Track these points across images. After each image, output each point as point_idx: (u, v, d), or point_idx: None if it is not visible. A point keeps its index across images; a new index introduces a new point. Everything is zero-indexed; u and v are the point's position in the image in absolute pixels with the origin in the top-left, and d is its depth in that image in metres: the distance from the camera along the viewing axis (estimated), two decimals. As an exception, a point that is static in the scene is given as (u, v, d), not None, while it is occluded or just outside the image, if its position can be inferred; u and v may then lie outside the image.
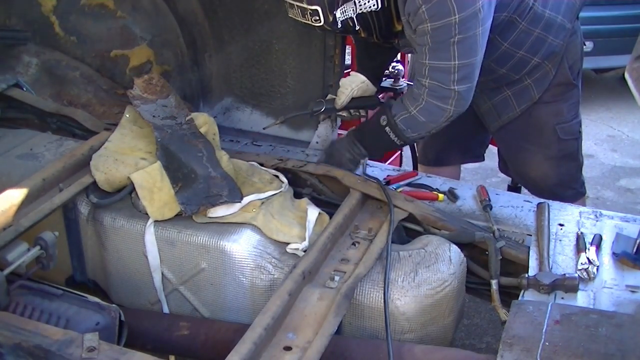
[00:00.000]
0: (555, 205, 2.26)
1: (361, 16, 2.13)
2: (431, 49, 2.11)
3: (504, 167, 2.95)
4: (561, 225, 2.16)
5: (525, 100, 2.52)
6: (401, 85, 3.33)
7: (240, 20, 2.76)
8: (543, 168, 2.62)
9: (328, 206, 2.27)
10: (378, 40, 2.30)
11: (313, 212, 2.16)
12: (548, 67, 2.46)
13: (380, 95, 3.41)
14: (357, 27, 2.17)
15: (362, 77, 2.51)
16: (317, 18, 2.10)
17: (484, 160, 3.09)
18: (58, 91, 2.82)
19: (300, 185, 2.38)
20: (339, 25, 2.13)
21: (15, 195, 2.03)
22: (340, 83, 2.52)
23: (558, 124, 2.56)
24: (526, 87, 2.49)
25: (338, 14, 2.09)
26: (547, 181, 2.63)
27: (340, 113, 2.57)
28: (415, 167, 3.08)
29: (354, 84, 2.49)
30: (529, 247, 2.07)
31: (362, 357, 1.76)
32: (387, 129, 2.28)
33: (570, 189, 2.67)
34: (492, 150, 3.05)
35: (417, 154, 3.15)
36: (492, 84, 2.50)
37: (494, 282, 1.99)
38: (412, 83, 3.86)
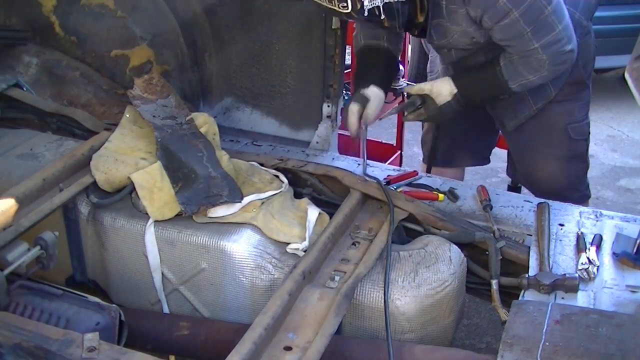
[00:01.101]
0: (555, 205, 2.26)
1: (387, 5, 2.13)
2: (533, 31, 2.15)
3: (512, 170, 2.92)
4: (561, 225, 2.16)
5: (541, 98, 2.52)
6: (401, 85, 3.32)
7: (240, 20, 2.76)
8: (552, 169, 2.61)
9: (328, 206, 2.27)
10: (398, 30, 2.31)
11: (313, 212, 2.16)
12: None
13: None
14: (382, 16, 2.15)
15: None
16: (345, 5, 2.08)
17: (489, 162, 3.07)
18: (58, 91, 2.82)
19: (300, 185, 2.38)
20: (365, 13, 2.11)
21: (15, 195, 2.03)
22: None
23: (570, 123, 2.57)
24: (542, 84, 2.47)
25: (366, 1, 2.07)
26: (556, 183, 2.62)
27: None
28: (428, 170, 3.02)
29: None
30: (529, 247, 2.07)
31: (362, 357, 1.76)
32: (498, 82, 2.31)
33: (577, 191, 2.66)
34: (493, 151, 3.05)
35: (426, 154, 3.07)
36: None
37: (494, 282, 1.99)
38: (412, 83, 3.85)
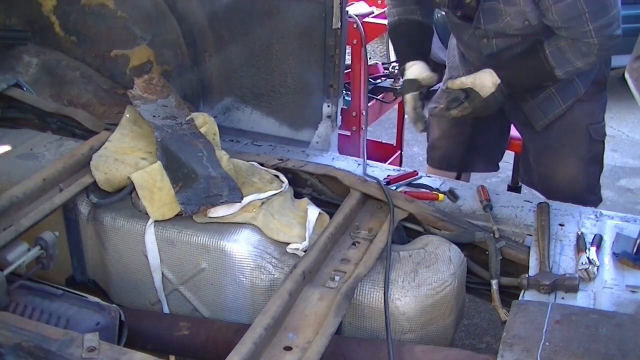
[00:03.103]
0: (555, 205, 2.26)
1: None
2: (591, 12, 2.16)
3: (526, 174, 2.87)
4: (561, 225, 2.15)
5: (570, 97, 2.50)
6: (401, 85, 3.31)
7: (240, 20, 2.76)
8: (572, 170, 2.57)
9: (328, 206, 2.27)
10: (449, 10, 2.33)
11: (313, 212, 2.16)
12: None
13: (380, 95, 3.41)
14: None
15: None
16: None
17: (499, 169, 3.04)
18: (58, 91, 2.82)
19: (300, 185, 2.38)
20: None
21: (15, 195, 2.03)
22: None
23: (591, 124, 2.54)
24: (570, 82, 2.46)
25: None
26: (575, 185, 2.58)
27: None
28: (458, 177, 2.97)
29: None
30: (529, 247, 2.07)
31: (362, 357, 1.76)
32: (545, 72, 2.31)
33: (593, 193, 2.64)
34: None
35: (439, 159, 2.97)
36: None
37: (494, 282, 1.99)
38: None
